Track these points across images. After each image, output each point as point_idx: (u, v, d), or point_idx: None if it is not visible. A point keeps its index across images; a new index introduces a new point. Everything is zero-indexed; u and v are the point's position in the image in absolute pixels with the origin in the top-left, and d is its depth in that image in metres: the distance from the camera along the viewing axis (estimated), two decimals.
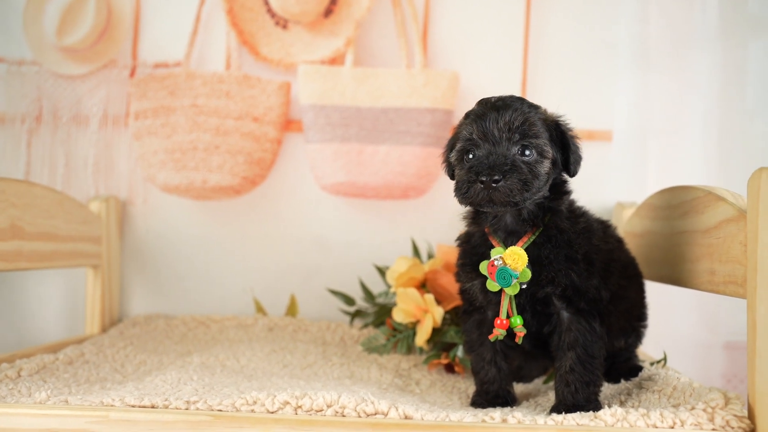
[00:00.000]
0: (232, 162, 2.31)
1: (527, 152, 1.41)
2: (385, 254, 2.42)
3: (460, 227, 2.40)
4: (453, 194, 1.45)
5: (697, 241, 1.59)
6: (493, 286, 1.44)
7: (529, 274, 1.43)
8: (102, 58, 2.43)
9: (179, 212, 2.49)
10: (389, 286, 2.20)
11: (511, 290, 1.44)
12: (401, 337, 2.07)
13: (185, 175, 2.31)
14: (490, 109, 1.43)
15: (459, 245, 1.61)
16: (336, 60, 2.41)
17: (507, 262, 1.43)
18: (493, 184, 1.36)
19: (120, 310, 2.47)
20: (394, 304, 2.11)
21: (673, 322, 2.30)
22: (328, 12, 2.39)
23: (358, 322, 2.37)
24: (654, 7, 2.33)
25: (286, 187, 2.47)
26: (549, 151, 1.44)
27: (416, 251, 2.31)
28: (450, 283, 2.07)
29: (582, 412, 1.36)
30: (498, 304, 1.48)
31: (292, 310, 2.46)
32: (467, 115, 1.48)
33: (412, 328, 2.06)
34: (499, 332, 1.46)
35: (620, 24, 2.35)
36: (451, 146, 1.52)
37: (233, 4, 2.42)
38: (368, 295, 2.33)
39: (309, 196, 2.46)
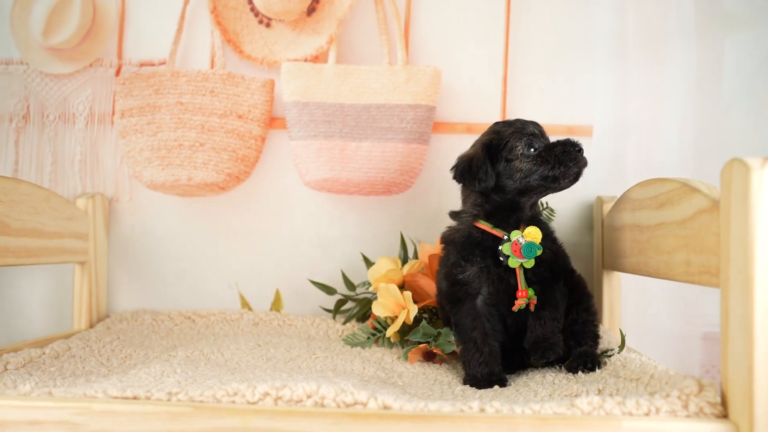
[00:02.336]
0: (216, 159, 2.33)
1: None
2: (368, 249, 2.44)
3: (442, 223, 2.43)
4: (533, 171, 1.77)
5: (673, 232, 1.62)
6: (515, 263, 1.75)
7: (542, 248, 1.76)
8: (88, 57, 2.45)
9: (165, 209, 2.50)
10: (370, 284, 2.23)
11: (529, 263, 1.76)
12: (381, 336, 2.11)
13: (171, 172, 2.33)
14: (523, 122, 1.82)
15: (456, 244, 1.85)
16: (319, 57, 2.43)
17: (528, 238, 1.76)
18: (582, 151, 1.77)
19: (107, 306, 2.48)
20: (376, 297, 2.15)
21: (652, 313, 2.33)
22: (310, 10, 2.41)
23: (341, 317, 2.39)
24: (631, 3, 2.35)
25: (271, 183, 2.49)
26: None
27: (404, 246, 2.34)
28: (428, 285, 2.13)
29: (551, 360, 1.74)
30: (489, 289, 1.78)
31: (277, 304, 2.47)
32: (511, 124, 1.83)
33: (391, 324, 2.09)
34: (521, 301, 1.76)
35: (599, 20, 2.37)
36: (499, 151, 1.80)
37: (217, 3, 2.44)
38: (349, 284, 2.36)
39: (293, 192, 2.48)
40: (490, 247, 1.79)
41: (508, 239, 1.77)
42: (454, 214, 1.90)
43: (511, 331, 1.83)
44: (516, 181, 1.78)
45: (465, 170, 1.82)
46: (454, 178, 1.85)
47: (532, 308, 1.78)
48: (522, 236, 1.76)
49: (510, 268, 1.77)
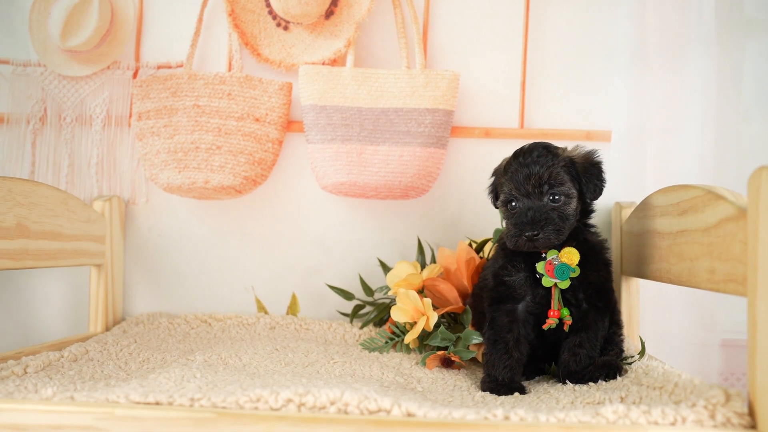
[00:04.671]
0: (233, 162, 2.33)
1: (556, 197, 1.73)
2: (385, 254, 2.44)
3: (460, 228, 2.43)
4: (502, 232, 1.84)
5: (697, 239, 1.61)
6: (548, 282, 1.75)
7: (578, 270, 1.75)
8: (105, 59, 2.45)
9: (181, 212, 2.51)
10: (389, 288, 2.23)
11: (564, 284, 1.75)
12: (399, 341, 2.11)
13: (187, 175, 2.33)
14: (521, 166, 1.74)
15: (505, 249, 1.85)
16: (337, 61, 2.43)
17: (563, 259, 1.75)
18: (534, 238, 1.70)
19: (123, 309, 2.49)
20: (394, 302, 2.14)
21: (671, 320, 2.31)
22: (329, 13, 2.41)
23: (358, 321, 2.39)
24: (651, 8, 2.33)
25: (288, 187, 2.49)
26: (573, 192, 1.76)
27: (421, 251, 2.33)
28: (447, 291, 2.12)
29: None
30: (533, 298, 1.78)
31: (293, 308, 2.47)
32: (505, 171, 1.78)
33: (410, 330, 2.08)
34: (552, 321, 1.76)
35: (618, 25, 2.34)
36: (494, 188, 1.88)
37: (235, 6, 2.43)
38: (367, 289, 2.36)
39: (310, 195, 2.48)
40: (533, 259, 1.79)
41: (544, 258, 1.77)
42: None
43: (547, 341, 1.83)
44: None
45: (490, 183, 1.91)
46: None
47: (566, 328, 1.78)
48: (557, 256, 1.75)
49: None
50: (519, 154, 1.78)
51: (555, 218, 1.72)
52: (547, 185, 1.72)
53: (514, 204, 1.76)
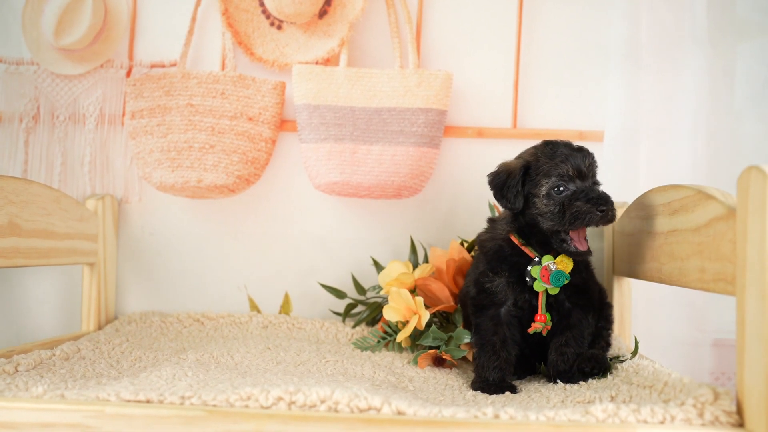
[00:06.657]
0: (227, 161, 2.33)
1: (598, 183, 1.79)
2: (378, 253, 2.44)
3: (452, 227, 2.43)
4: (547, 217, 1.75)
5: (687, 239, 1.61)
6: (540, 286, 1.76)
7: (569, 278, 1.76)
8: (99, 58, 2.45)
9: (174, 211, 2.51)
10: (381, 287, 2.23)
11: (554, 290, 1.77)
12: (391, 340, 2.11)
13: (180, 173, 2.33)
14: (574, 151, 1.76)
15: (486, 254, 1.86)
16: (330, 60, 2.43)
17: (560, 266, 1.75)
18: (610, 213, 1.70)
19: (115, 308, 2.48)
20: (386, 301, 2.15)
21: (662, 320, 2.32)
22: (322, 13, 2.41)
23: (350, 320, 2.39)
24: (644, 9, 2.33)
25: (281, 186, 2.49)
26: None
27: (414, 250, 2.34)
28: (439, 290, 2.12)
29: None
30: (515, 302, 1.80)
31: (286, 308, 2.47)
32: (552, 157, 1.75)
33: (402, 329, 2.09)
34: (538, 325, 1.78)
35: (611, 26, 2.35)
36: (522, 179, 1.78)
37: (228, 5, 2.44)
38: (359, 289, 2.36)
39: (303, 195, 2.48)
40: (518, 263, 1.79)
41: (539, 262, 1.77)
42: (490, 221, 1.93)
43: (531, 341, 1.83)
44: (533, 214, 1.77)
45: (499, 185, 1.81)
46: (489, 185, 1.84)
47: (544, 333, 1.80)
48: (554, 263, 1.76)
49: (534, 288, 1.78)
50: (557, 144, 1.78)
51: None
52: (593, 173, 1.78)
53: (563, 187, 1.73)
